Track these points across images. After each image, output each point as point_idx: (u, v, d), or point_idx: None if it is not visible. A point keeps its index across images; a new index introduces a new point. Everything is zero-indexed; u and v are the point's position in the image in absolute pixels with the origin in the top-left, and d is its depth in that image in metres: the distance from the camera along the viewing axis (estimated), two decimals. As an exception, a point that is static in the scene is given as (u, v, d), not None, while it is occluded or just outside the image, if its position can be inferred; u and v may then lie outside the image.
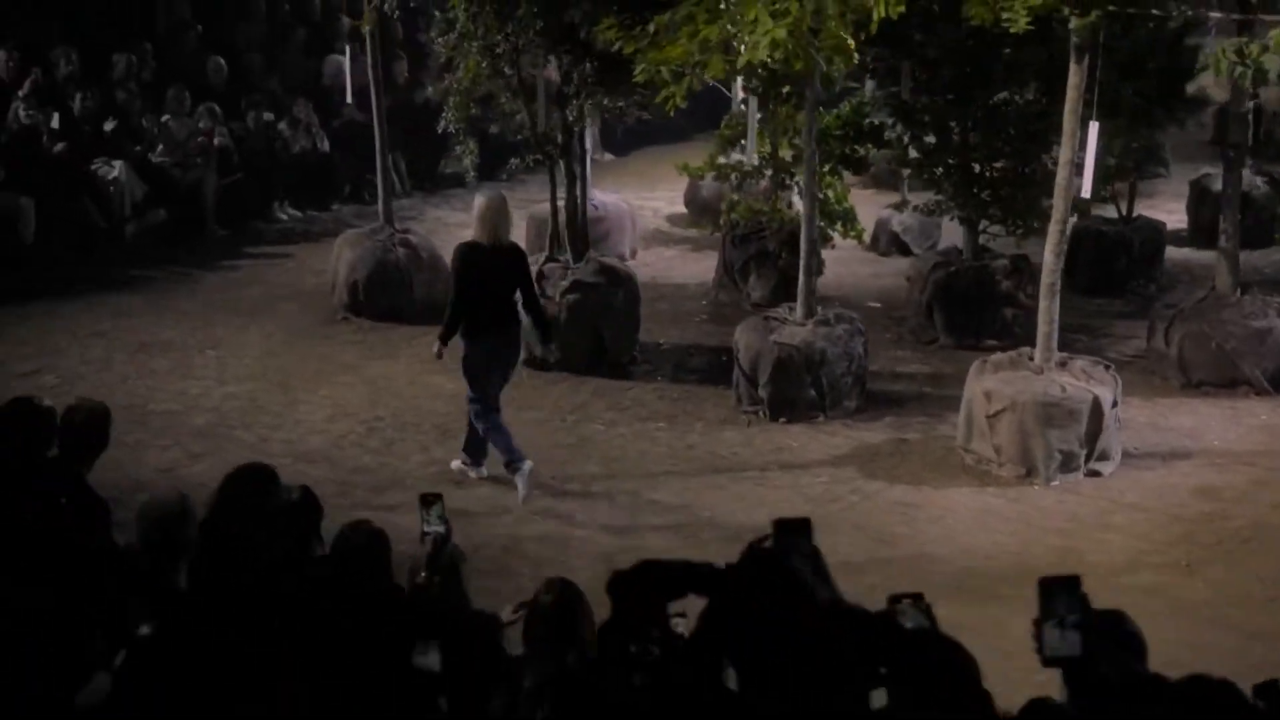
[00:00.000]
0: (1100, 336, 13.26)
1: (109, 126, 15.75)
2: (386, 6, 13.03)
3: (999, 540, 9.49)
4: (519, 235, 16.04)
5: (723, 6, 10.23)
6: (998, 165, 12.71)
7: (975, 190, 12.78)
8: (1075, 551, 9.27)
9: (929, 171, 12.99)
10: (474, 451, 10.42)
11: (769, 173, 14.26)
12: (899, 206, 15.78)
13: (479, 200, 10.34)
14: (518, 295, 10.18)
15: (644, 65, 10.64)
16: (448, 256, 12.41)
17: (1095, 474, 10.29)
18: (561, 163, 12.51)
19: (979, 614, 8.40)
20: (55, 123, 15.26)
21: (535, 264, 12.52)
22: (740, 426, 11.37)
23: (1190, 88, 13.76)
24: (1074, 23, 9.59)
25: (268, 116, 16.99)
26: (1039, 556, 9.17)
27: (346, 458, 10.81)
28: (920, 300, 13.17)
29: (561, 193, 12.77)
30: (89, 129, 15.61)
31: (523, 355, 10.77)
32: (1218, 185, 15.81)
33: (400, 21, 19.36)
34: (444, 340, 10.16)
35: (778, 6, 9.93)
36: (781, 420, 11.39)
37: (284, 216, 16.99)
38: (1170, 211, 16.42)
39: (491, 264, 10.07)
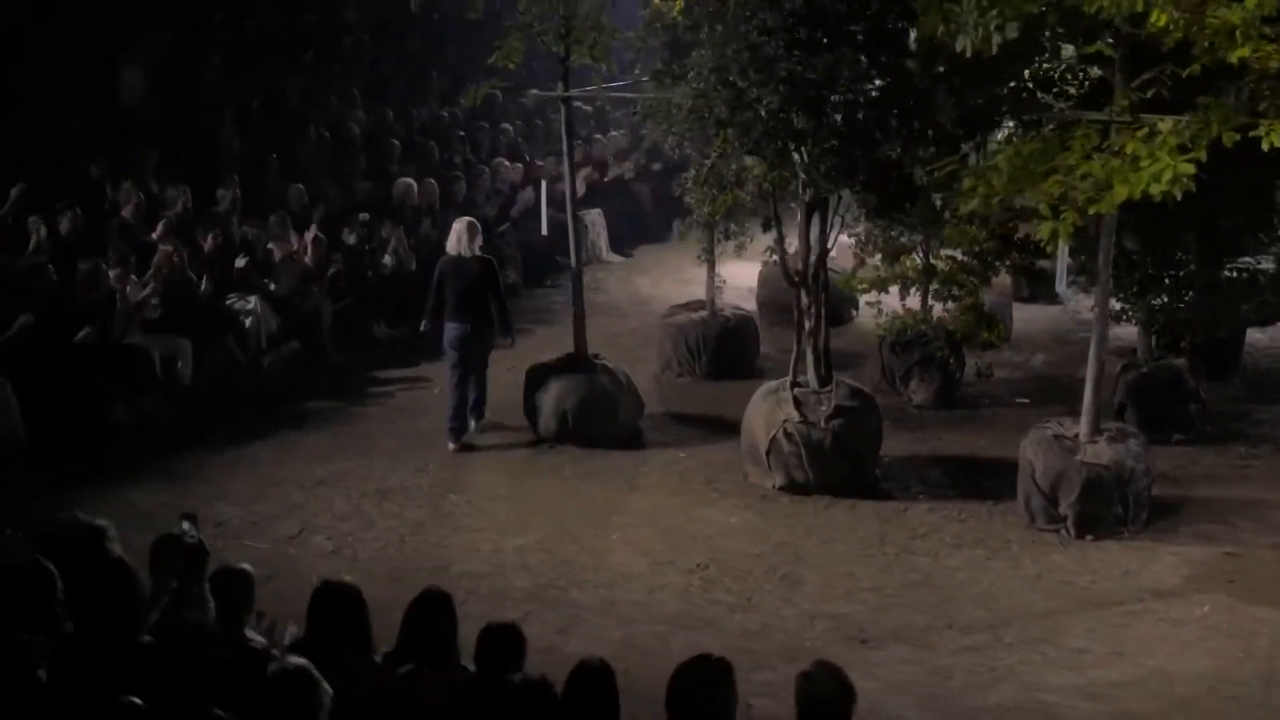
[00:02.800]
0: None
1: (240, 262, 12.76)
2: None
3: None
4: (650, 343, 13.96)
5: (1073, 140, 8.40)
6: (1189, 273, 11.10)
7: (1161, 297, 11.17)
8: None
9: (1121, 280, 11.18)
10: (461, 421, 11.19)
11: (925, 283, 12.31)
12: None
13: (455, 224, 11.33)
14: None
15: (978, 197, 8.68)
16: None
17: None
18: (804, 290, 10.32)
19: None
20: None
21: (783, 388, 10.38)
22: (1057, 547, 9.32)
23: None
24: None
25: (365, 217, 14.25)
26: None
27: (717, 618, 8.34)
28: (1112, 400, 11.39)
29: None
30: (219, 265, 12.60)
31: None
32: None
33: (436, 144, 16.82)
34: (428, 320, 11.30)
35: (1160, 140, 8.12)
36: (1088, 537, 9.41)
37: (381, 336, 14.20)
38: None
39: (462, 269, 11.02)
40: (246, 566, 5.85)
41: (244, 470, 10.59)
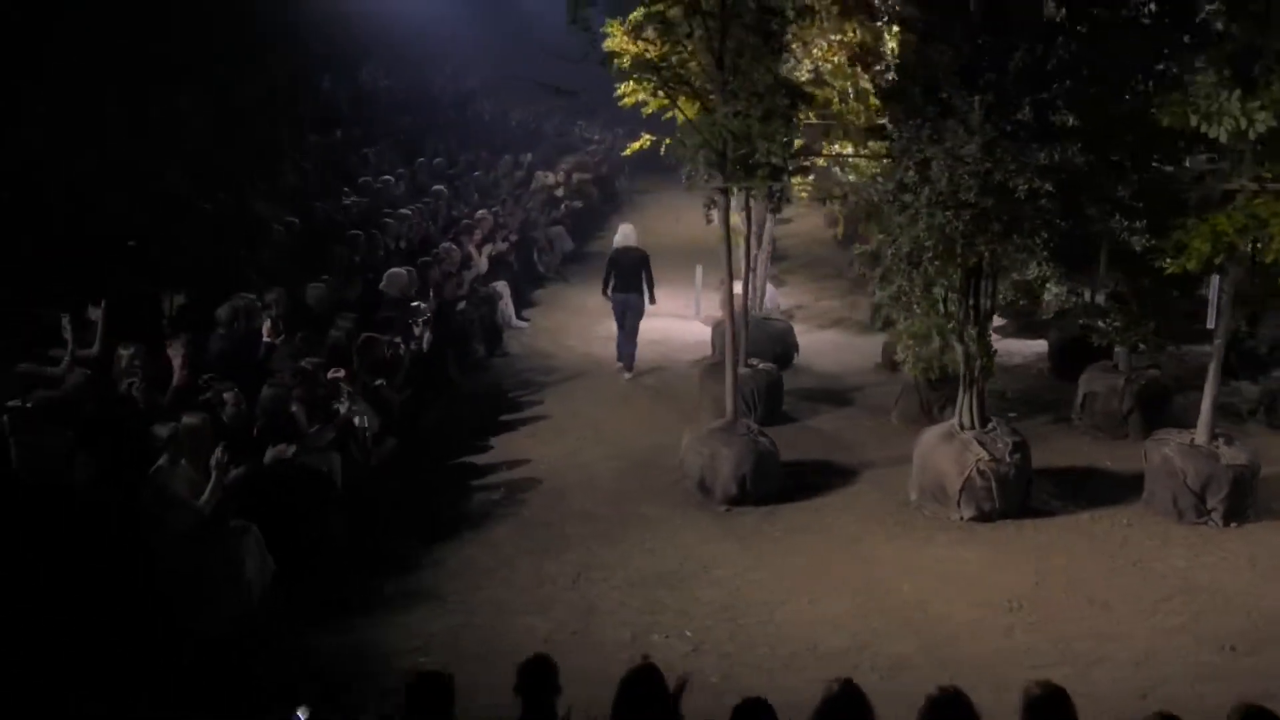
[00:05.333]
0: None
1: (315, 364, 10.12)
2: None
3: None
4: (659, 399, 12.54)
5: None
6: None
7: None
8: None
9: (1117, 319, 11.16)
10: (625, 359, 13.50)
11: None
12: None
13: (622, 227, 13.80)
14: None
15: (1195, 256, 8.41)
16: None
17: None
18: (967, 345, 9.58)
19: None
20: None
21: (956, 431, 9.64)
22: (1226, 536, 9.13)
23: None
24: None
25: (419, 305, 11.98)
26: None
27: (1100, 651, 7.44)
28: (1119, 407, 11.44)
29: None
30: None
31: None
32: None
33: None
34: (604, 292, 13.38)
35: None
36: (1232, 525, 9.36)
37: (426, 421, 11.83)
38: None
39: (625, 258, 13.24)
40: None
41: (486, 580, 8.46)
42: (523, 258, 17.61)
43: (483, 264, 15.59)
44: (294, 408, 8.80)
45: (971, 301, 9.46)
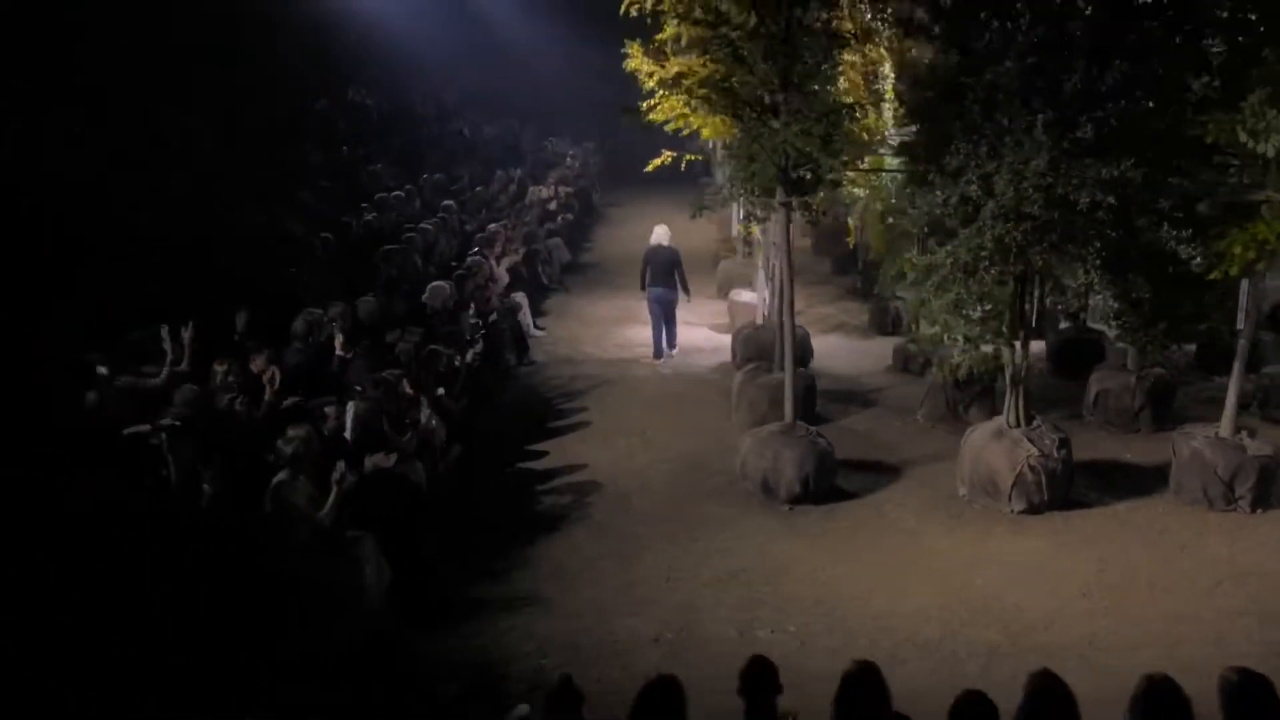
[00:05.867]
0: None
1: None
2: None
3: None
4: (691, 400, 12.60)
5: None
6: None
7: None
8: None
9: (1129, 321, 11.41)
10: (660, 347, 14.24)
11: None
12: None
13: (657, 228, 14.24)
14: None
15: (1239, 262, 8.69)
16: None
17: None
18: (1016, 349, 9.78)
19: None
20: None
21: (1005, 429, 9.82)
22: (1259, 522, 9.44)
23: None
24: None
25: (474, 319, 11.87)
26: None
27: (1178, 632, 7.64)
28: (1132, 403, 11.74)
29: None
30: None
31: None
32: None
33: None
34: (643, 288, 14.13)
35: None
36: (1259, 511, 9.67)
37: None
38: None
39: (660, 254, 14.01)
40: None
41: (576, 582, 8.46)
42: (531, 269, 17.57)
43: (503, 276, 15.54)
44: (383, 419, 8.72)
45: (1019, 307, 9.65)
